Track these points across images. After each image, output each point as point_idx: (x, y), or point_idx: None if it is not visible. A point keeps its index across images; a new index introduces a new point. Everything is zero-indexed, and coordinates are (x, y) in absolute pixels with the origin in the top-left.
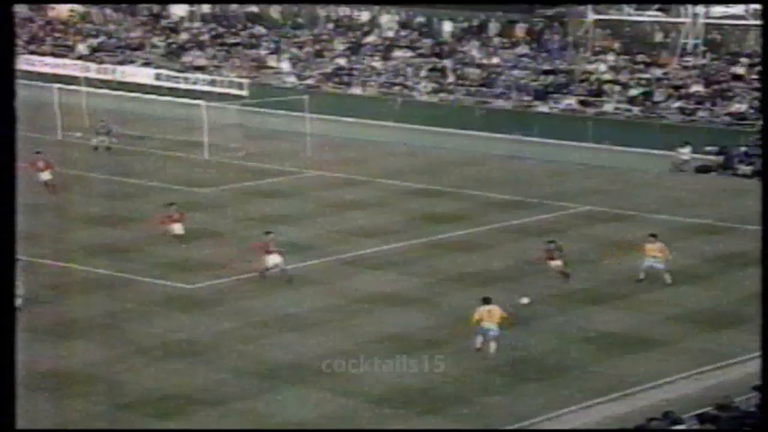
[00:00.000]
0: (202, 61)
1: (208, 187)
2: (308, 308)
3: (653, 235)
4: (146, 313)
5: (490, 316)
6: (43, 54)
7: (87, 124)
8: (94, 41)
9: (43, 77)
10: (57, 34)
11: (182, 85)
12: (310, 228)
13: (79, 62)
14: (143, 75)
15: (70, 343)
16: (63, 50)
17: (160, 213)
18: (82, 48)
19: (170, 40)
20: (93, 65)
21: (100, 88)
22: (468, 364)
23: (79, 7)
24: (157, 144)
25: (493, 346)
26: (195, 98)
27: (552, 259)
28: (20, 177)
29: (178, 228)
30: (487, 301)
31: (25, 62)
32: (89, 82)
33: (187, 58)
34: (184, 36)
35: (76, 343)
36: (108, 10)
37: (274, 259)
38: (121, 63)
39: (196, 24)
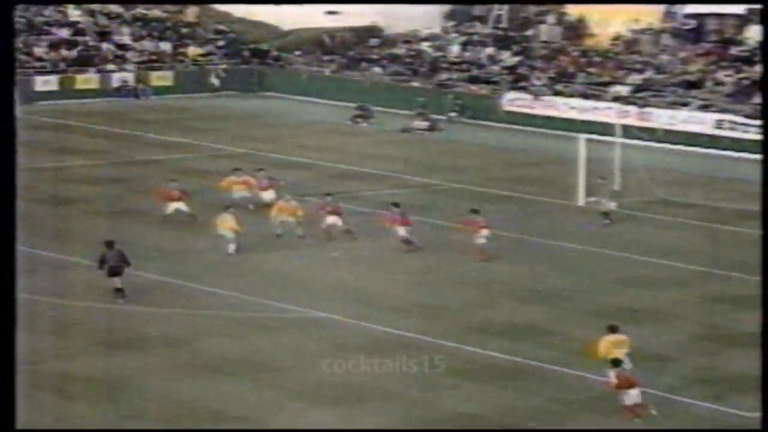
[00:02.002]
0: None
1: None
2: None
3: None
4: (566, 414)
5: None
6: (570, 95)
7: (618, 186)
8: (638, 77)
9: (570, 125)
10: (592, 70)
11: (752, 136)
12: None
13: (614, 105)
14: (700, 122)
15: None
16: (596, 90)
17: None
18: (620, 87)
19: (741, 76)
20: (633, 109)
21: (641, 139)
22: None
23: (625, 33)
24: (712, 214)
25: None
26: None
27: None
28: None
29: None
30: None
31: (547, 106)
32: (626, 131)
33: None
34: (760, 69)
35: None
36: (666, 37)
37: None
38: (671, 106)
39: None
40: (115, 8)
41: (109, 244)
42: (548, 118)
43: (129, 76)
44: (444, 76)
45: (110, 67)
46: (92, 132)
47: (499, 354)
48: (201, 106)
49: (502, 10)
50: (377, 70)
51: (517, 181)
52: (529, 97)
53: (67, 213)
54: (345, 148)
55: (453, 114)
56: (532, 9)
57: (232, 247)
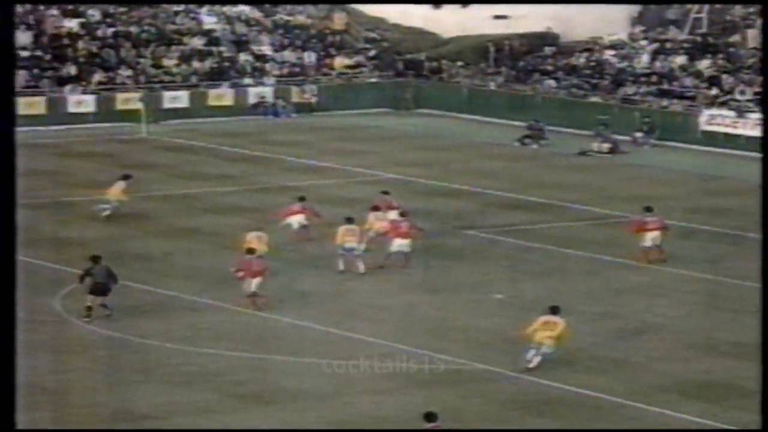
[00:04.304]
0: None
1: None
2: None
3: None
4: None
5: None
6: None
7: None
8: None
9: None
10: None
11: None
12: None
13: None
14: None
15: None
16: None
17: None
18: None
19: None
20: None
21: None
22: None
23: None
24: None
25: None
26: None
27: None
28: None
29: None
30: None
31: (754, 125)
32: None
33: None
34: None
35: None
36: None
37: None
38: None
39: None
40: (254, 15)
41: (96, 259)
42: (754, 138)
43: (267, 91)
44: (630, 90)
45: (247, 81)
46: (224, 155)
47: (695, 418)
48: (347, 125)
49: (702, 13)
50: (551, 83)
51: (716, 213)
52: (731, 114)
53: (196, 247)
54: (512, 174)
55: (640, 134)
56: (738, 10)
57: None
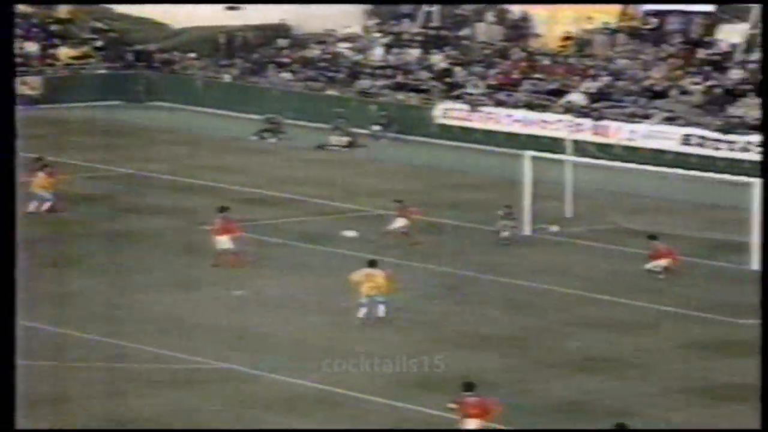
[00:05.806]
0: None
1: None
2: None
3: None
4: None
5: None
6: (513, 106)
7: (570, 212)
8: (592, 85)
9: (513, 140)
10: (538, 75)
11: (725, 154)
12: None
13: (565, 117)
14: (664, 137)
15: None
16: (544, 99)
17: None
18: (575, 96)
19: (712, 83)
20: (587, 122)
21: (596, 157)
22: None
23: (576, 33)
24: (678, 246)
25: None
26: (749, 174)
27: None
28: None
29: None
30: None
31: (487, 119)
32: (579, 147)
33: (736, 111)
34: (735, 75)
35: None
36: (623, 37)
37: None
38: (632, 118)
39: (756, 57)
40: None
41: None
42: (488, 132)
43: None
44: (366, 83)
45: None
46: None
47: (440, 412)
48: (78, 119)
49: (434, 6)
50: (287, 76)
51: (452, 206)
52: (465, 107)
53: None
54: (251, 169)
55: (377, 128)
56: (468, 5)
57: None
